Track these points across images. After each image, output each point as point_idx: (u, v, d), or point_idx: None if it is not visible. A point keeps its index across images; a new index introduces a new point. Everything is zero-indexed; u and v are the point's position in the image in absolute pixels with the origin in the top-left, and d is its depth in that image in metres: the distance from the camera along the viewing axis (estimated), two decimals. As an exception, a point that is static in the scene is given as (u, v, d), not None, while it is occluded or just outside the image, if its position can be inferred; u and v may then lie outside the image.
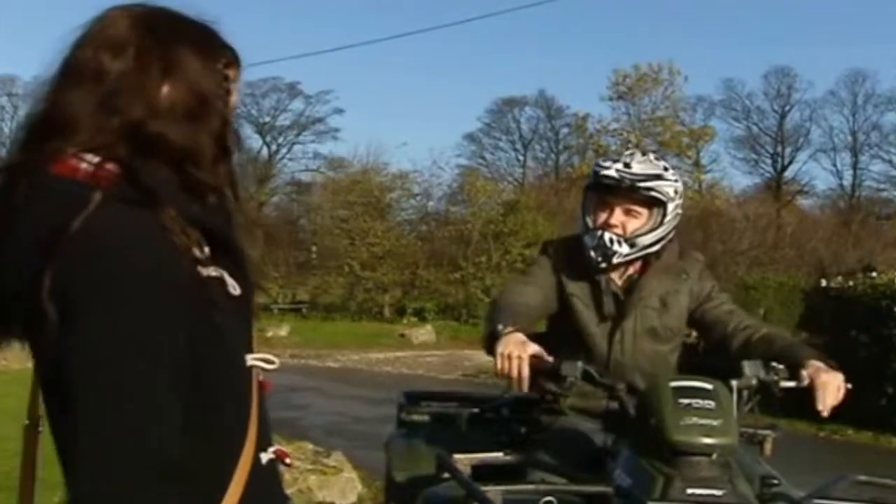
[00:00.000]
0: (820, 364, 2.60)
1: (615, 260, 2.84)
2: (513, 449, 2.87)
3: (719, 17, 59.28)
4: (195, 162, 1.26)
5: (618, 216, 2.83)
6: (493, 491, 2.24)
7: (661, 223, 2.85)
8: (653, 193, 2.81)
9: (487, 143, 45.97)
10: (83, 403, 1.09)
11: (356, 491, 6.50)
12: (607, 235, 2.82)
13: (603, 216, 2.85)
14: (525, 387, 2.48)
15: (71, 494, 1.09)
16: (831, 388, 2.54)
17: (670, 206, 2.84)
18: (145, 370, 1.11)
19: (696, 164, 34.03)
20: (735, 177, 56.42)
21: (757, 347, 2.76)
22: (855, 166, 42.72)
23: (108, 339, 1.10)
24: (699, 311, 2.95)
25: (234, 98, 1.36)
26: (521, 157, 45.98)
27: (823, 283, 12.11)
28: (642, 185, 2.79)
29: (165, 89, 1.25)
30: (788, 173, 43.62)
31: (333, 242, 29.42)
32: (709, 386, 2.31)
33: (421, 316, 27.65)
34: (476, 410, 3.18)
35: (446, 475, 2.44)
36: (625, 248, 2.83)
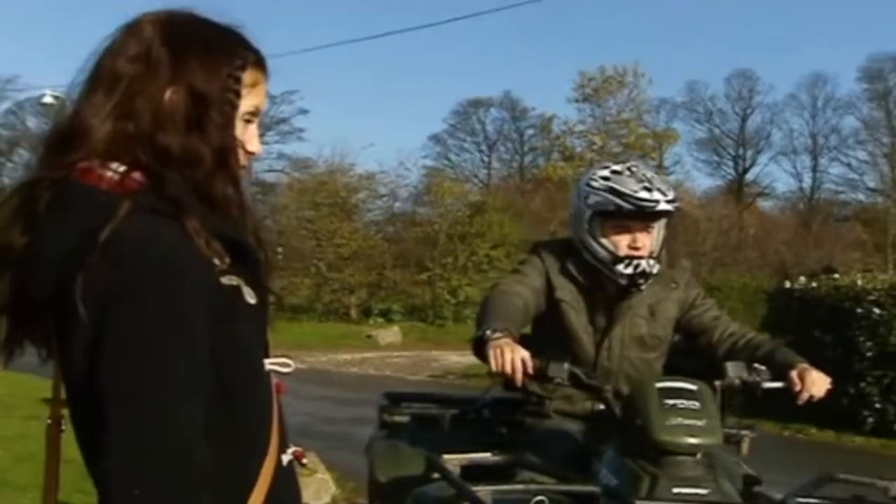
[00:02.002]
0: (808, 366, 2.73)
1: (649, 281, 2.85)
2: (499, 449, 2.89)
3: (684, 20, 59.87)
4: (194, 168, 1.24)
5: (641, 239, 2.80)
6: (483, 491, 2.26)
7: (663, 234, 2.87)
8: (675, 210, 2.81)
9: (452, 145, 45.95)
10: (114, 406, 1.10)
11: (330, 492, 6.49)
12: (644, 263, 2.78)
13: (624, 241, 2.80)
14: (519, 383, 2.50)
15: (102, 494, 1.10)
16: (819, 384, 2.69)
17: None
18: (174, 375, 1.12)
19: (660, 165, 34.25)
20: (697, 178, 56.55)
21: (741, 353, 2.82)
22: (814, 169, 43.25)
23: (137, 344, 1.12)
24: (685, 319, 2.97)
25: (256, 101, 1.34)
26: (486, 159, 46.05)
27: (787, 284, 12.25)
28: (675, 205, 2.79)
29: (168, 94, 1.24)
30: (750, 175, 44.10)
31: (299, 243, 29.25)
32: (693, 387, 2.37)
33: (387, 317, 27.64)
34: (458, 411, 3.21)
35: (435, 475, 2.46)
36: (655, 268, 2.83)
